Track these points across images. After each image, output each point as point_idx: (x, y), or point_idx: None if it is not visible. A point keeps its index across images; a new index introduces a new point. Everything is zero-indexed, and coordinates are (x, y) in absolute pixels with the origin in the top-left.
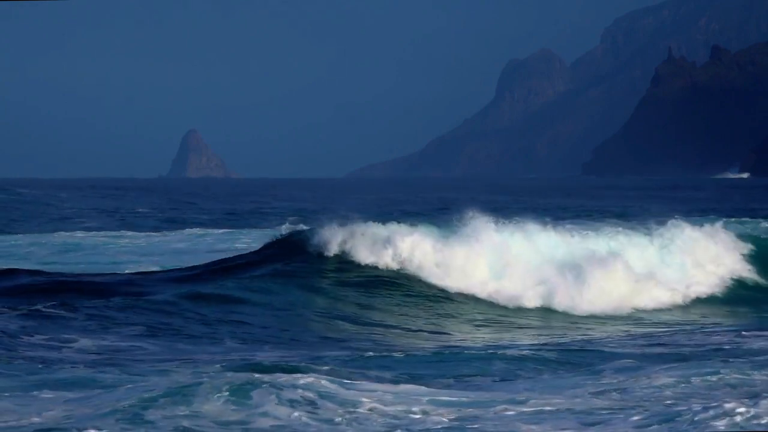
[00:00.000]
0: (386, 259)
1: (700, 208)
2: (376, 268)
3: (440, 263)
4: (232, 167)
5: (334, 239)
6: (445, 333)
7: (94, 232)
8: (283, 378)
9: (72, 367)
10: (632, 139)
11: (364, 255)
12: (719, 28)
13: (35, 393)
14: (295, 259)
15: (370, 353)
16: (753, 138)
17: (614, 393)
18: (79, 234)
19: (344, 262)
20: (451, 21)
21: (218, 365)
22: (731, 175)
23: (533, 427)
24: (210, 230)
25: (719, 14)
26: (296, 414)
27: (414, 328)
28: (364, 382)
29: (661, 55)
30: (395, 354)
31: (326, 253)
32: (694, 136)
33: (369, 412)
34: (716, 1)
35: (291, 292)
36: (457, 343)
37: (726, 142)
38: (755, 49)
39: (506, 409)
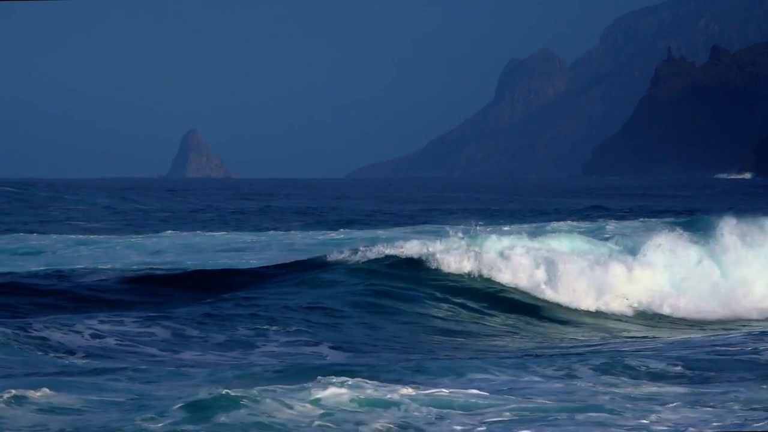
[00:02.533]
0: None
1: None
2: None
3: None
4: (232, 167)
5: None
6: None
7: (98, 235)
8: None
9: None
10: (632, 139)
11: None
12: (719, 28)
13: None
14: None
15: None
16: (753, 138)
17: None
18: (90, 235)
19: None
20: (451, 20)
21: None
22: (733, 176)
23: None
24: (217, 230)
25: (719, 14)
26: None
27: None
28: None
29: (661, 55)
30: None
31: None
32: (694, 136)
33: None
34: (716, 1)
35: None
36: (492, 349)
37: (726, 142)
38: (755, 49)
39: (507, 409)
